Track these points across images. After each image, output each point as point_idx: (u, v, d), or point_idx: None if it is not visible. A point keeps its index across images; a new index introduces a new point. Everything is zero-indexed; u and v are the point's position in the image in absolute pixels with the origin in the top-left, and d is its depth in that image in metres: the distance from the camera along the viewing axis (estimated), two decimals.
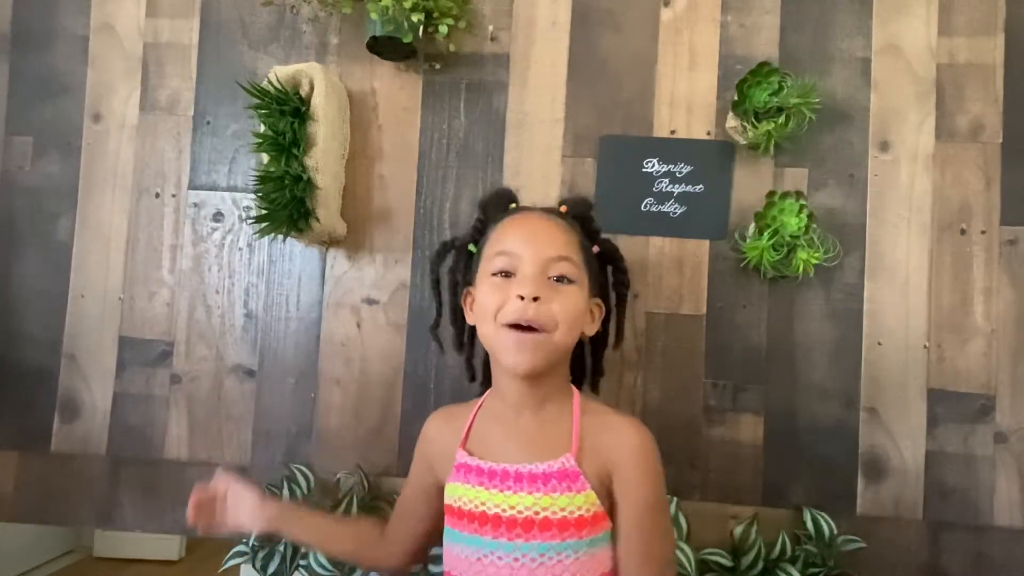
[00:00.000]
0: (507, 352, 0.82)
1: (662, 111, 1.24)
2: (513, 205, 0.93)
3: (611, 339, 0.98)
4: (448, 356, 1.23)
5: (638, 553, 0.81)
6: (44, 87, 1.32)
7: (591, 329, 0.90)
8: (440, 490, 0.90)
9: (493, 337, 0.84)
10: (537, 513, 0.80)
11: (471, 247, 0.93)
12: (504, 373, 0.86)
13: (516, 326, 0.81)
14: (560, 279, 0.83)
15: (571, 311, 0.82)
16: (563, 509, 0.80)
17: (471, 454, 0.87)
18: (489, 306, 0.83)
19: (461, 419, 0.91)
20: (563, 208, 0.92)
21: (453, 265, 0.96)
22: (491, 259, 0.85)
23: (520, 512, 0.80)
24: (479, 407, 0.92)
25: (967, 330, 1.18)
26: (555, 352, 0.83)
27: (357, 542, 0.98)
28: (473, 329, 0.94)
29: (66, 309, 1.29)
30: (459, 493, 0.85)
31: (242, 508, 0.93)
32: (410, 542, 0.96)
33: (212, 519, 0.93)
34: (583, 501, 0.80)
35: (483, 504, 0.83)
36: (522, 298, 0.80)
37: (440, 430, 0.94)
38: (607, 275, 0.97)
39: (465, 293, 0.94)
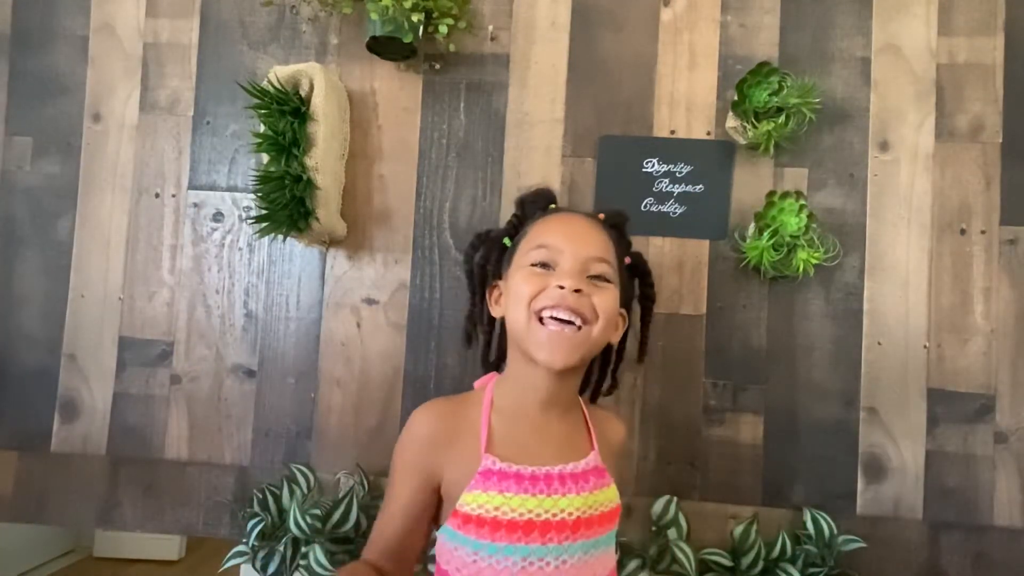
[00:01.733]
0: (540, 347, 0.80)
1: (662, 111, 1.24)
2: (553, 206, 0.93)
3: (632, 352, 0.99)
4: (448, 353, 1.24)
5: None
6: (44, 87, 1.32)
7: (615, 337, 0.90)
8: (437, 495, 0.85)
9: (524, 328, 0.81)
10: (584, 512, 0.82)
11: (506, 240, 0.92)
12: (532, 369, 0.83)
13: (553, 319, 0.79)
14: (599, 277, 0.83)
15: (609, 308, 0.82)
16: (602, 505, 0.84)
17: (501, 459, 0.81)
18: (524, 293, 0.81)
19: (463, 417, 0.85)
20: (601, 216, 0.91)
21: (484, 256, 0.92)
22: (529, 252, 0.84)
23: (570, 514, 0.80)
24: (489, 405, 0.86)
25: (967, 330, 1.18)
26: (590, 348, 0.82)
27: None
28: (491, 325, 0.94)
29: (66, 309, 1.29)
30: (495, 503, 0.79)
31: None
32: (412, 560, 0.87)
33: None
34: (612, 495, 0.86)
35: (530, 512, 0.79)
36: (562, 288, 0.79)
37: (436, 430, 0.84)
38: (634, 288, 0.96)
39: (492, 287, 0.91)
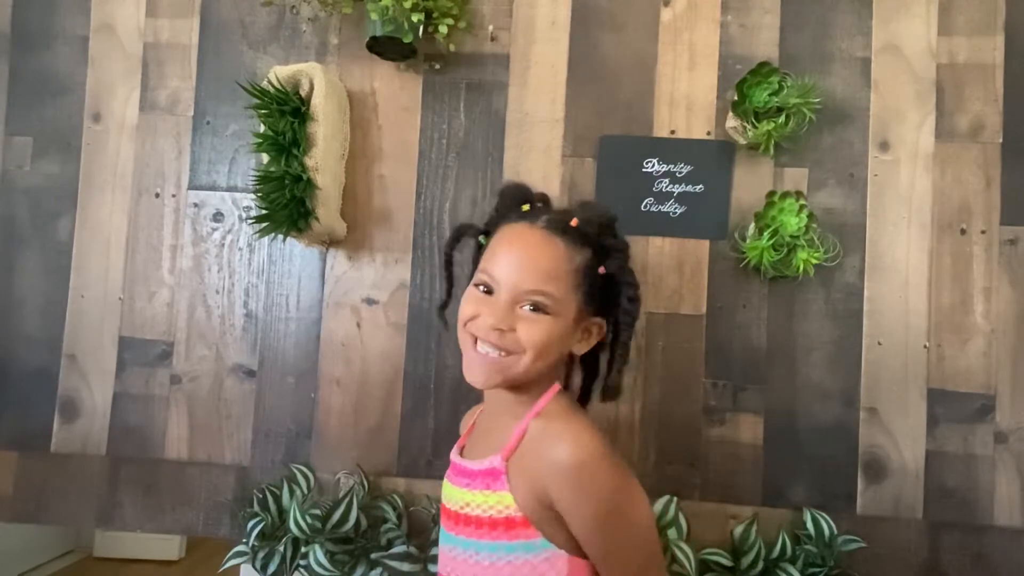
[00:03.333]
0: (467, 366, 0.83)
1: (662, 111, 1.24)
2: (526, 207, 0.88)
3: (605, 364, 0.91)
4: (448, 353, 1.24)
5: (602, 571, 0.79)
6: (44, 87, 1.32)
7: (580, 348, 0.87)
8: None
9: (461, 344, 0.85)
10: (463, 507, 0.83)
11: (481, 239, 0.91)
12: None
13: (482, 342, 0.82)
14: (535, 308, 0.80)
15: (538, 341, 0.80)
16: (479, 506, 0.81)
17: (461, 451, 0.90)
18: (464, 313, 0.83)
19: (471, 419, 0.96)
20: (574, 222, 0.85)
21: (473, 256, 0.93)
22: (480, 270, 0.85)
23: (453, 505, 0.85)
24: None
25: (967, 330, 1.18)
26: (515, 376, 0.81)
27: None
28: None
29: (66, 309, 1.29)
30: (443, 489, 0.90)
31: None
32: None
33: None
34: (496, 501, 0.79)
35: (447, 498, 0.87)
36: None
37: (465, 426, 0.99)
38: (616, 296, 0.88)
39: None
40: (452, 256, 0.94)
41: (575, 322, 0.84)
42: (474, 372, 0.82)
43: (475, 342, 0.82)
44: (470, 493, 0.82)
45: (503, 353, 0.80)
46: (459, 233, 0.95)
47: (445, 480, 0.89)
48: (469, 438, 0.93)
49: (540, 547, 0.78)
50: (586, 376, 0.95)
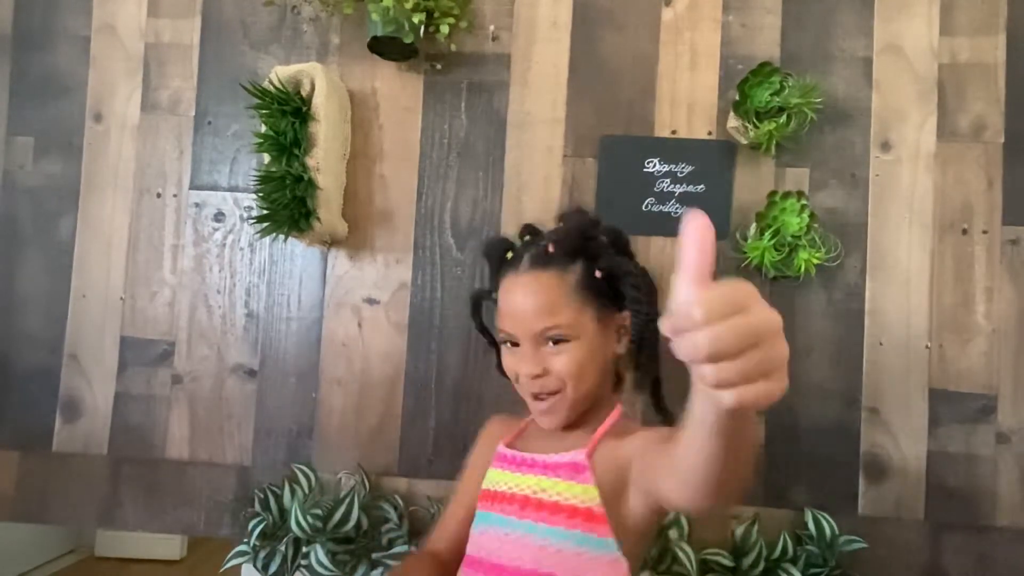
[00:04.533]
0: (536, 416, 0.90)
1: (663, 111, 1.24)
2: (510, 253, 0.92)
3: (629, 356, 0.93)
4: (449, 356, 1.24)
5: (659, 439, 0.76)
6: (45, 87, 1.32)
7: (621, 347, 0.90)
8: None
9: (525, 399, 0.90)
10: (534, 492, 0.84)
11: (495, 295, 0.94)
12: None
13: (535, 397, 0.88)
14: (557, 341, 0.85)
15: (572, 368, 0.85)
16: (560, 494, 0.82)
17: (511, 447, 0.93)
18: (509, 373, 0.90)
19: (516, 425, 0.99)
20: (549, 248, 0.87)
21: (480, 315, 1.02)
22: (499, 329, 0.90)
23: (519, 489, 0.86)
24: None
25: (969, 330, 1.18)
26: (575, 404, 0.87)
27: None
28: None
29: (67, 309, 1.29)
30: (490, 476, 0.92)
31: None
32: (463, 541, 0.93)
33: None
34: (580, 491, 0.81)
35: (503, 484, 0.89)
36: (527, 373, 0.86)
37: (499, 430, 1.00)
38: (623, 292, 0.89)
39: None
40: (483, 323, 1.02)
41: (602, 330, 0.87)
42: (545, 421, 0.89)
43: (531, 395, 0.88)
44: (548, 480, 0.84)
45: (551, 395, 0.86)
46: (477, 301, 1.02)
47: (495, 469, 0.92)
48: (526, 440, 0.95)
49: (611, 547, 0.79)
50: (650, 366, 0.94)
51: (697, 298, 0.39)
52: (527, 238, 0.96)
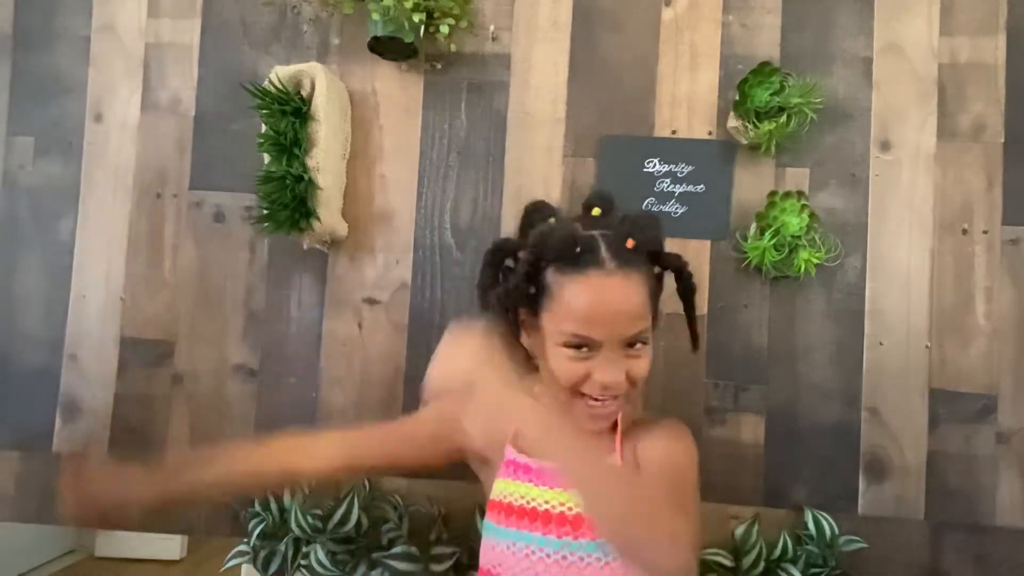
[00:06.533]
0: (579, 418, 0.82)
1: (663, 111, 1.24)
2: (578, 250, 0.80)
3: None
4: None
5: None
6: (46, 87, 1.32)
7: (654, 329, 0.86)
8: (435, 448, 0.91)
9: (565, 397, 0.82)
10: (556, 507, 0.82)
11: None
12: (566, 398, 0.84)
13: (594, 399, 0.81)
14: (635, 344, 0.80)
15: (646, 371, 0.82)
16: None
17: (519, 451, 0.87)
18: (565, 377, 0.80)
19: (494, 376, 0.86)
20: (630, 243, 0.81)
21: (511, 290, 0.84)
22: (563, 331, 0.79)
23: (569, 509, 0.82)
24: None
25: (969, 330, 1.18)
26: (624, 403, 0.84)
27: (277, 455, 0.90)
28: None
29: (67, 309, 1.29)
30: (509, 489, 0.86)
31: (125, 482, 0.87)
32: (349, 460, 0.90)
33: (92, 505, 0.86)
34: None
35: (532, 500, 0.83)
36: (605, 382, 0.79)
37: (475, 370, 0.84)
38: (663, 278, 0.89)
39: (522, 320, 0.86)
40: (508, 290, 0.85)
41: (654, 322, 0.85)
42: (591, 424, 0.82)
43: (586, 398, 0.81)
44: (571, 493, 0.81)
45: (615, 398, 0.81)
46: (500, 258, 0.88)
47: (510, 480, 0.86)
48: (522, 436, 0.87)
49: None
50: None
51: None
52: (583, 225, 0.84)
